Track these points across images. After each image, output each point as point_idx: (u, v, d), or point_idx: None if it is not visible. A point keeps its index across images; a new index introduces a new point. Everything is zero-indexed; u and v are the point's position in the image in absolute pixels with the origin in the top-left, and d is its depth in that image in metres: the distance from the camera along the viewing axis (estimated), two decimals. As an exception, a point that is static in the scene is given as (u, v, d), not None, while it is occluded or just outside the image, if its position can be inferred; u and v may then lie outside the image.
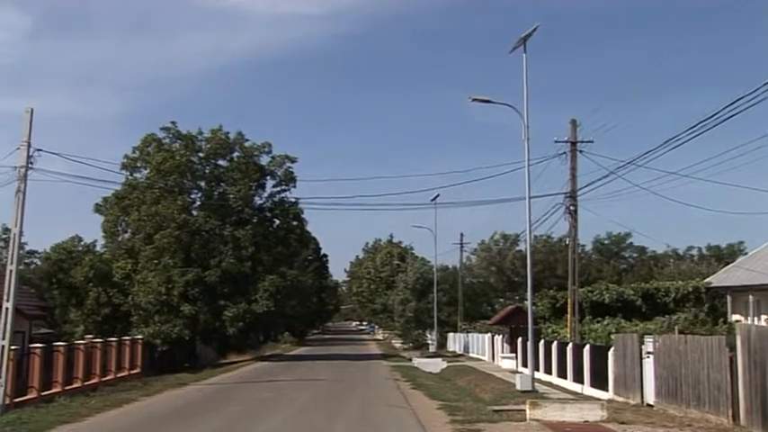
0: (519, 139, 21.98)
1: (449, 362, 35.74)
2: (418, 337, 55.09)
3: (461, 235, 59.08)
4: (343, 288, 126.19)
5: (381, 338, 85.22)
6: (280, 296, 41.97)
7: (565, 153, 26.95)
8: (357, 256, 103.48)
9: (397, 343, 61.53)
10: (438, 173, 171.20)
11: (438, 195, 44.15)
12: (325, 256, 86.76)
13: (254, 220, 43.82)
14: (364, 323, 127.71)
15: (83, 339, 26.23)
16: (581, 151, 27.03)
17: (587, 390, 20.27)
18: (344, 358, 44.60)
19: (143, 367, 30.11)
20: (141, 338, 32.19)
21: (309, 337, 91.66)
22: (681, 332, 18.70)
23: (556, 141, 27.02)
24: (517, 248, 55.85)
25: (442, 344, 52.65)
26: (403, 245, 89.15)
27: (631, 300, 33.03)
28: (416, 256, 70.61)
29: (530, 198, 21.83)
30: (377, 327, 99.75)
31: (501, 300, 56.05)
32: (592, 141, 26.77)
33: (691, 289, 32.58)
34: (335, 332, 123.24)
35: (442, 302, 53.02)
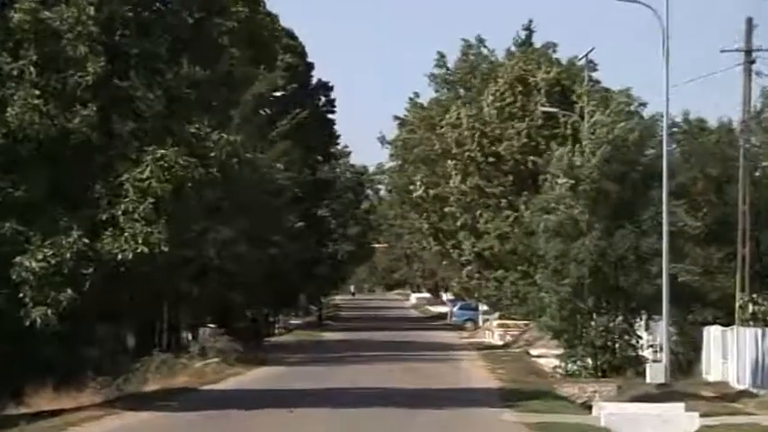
0: None
1: (706, 414, 34.02)
2: (608, 336, 47.75)
3: (749, 23, 50.52)
4: (386, 187, 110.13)
5: (499, 341, 76.02)
6: (192, 214, 38.30)
7: None
8: (417, 95, 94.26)
9: (548, 354, 55.05)
10: None
11: None
12: (329, 90, 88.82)
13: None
14: (444, 295, 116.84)
15: None
16: None
17: None
18: (385, 400, 37.12)
19: None
20: None
21: (281, 338, 77.34)
22: None
23: None
24: None
25: (684, 360, 47.67)
26: (558, 54, 79.08)
27: None
28: (607, 92, 63.75)
29: None
30: (485, 308, 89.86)
31: None
32: None
33: None
34: (360, 322, 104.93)
35: (685, 234, 48.45)
